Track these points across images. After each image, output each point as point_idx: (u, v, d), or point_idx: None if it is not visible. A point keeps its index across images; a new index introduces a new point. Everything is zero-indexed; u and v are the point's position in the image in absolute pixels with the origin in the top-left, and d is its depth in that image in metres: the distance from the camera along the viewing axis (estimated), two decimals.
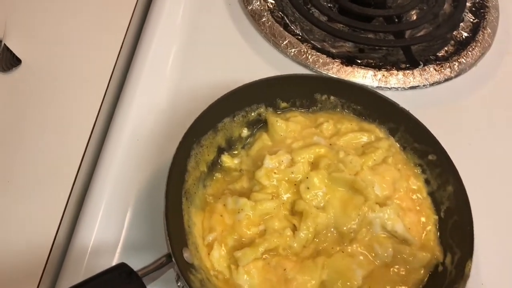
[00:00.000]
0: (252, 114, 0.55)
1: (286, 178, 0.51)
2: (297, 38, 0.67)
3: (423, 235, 0.50)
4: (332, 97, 0.55)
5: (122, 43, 0.63)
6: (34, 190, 0.51)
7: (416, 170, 0.53)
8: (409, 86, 0.65)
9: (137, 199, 0.53)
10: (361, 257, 0.48)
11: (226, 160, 0.53)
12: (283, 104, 0.56)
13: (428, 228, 0.50)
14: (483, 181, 0.56)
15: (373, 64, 0.66)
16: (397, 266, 0.48)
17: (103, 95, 0.58)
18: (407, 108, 0.55)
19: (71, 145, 0.55)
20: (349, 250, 0.48)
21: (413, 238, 0.49)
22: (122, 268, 0.40)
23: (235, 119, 0.54)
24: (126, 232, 0.51)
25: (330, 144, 0.53)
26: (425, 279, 0.48)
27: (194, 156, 0.51)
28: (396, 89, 0.64)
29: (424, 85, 0.65)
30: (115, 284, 0.39)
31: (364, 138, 0.55)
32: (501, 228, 0.54)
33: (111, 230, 0.51)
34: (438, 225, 0.50)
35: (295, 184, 0.50)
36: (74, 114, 0.57)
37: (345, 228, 0.49)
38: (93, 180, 0.54)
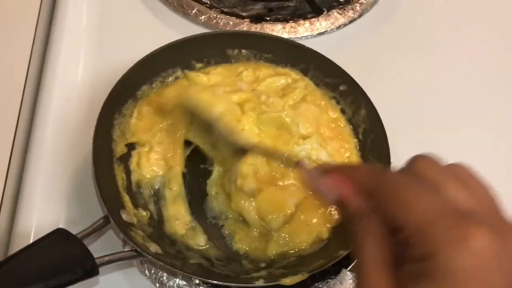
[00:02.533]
0: (170, 78, 0.57)
1: None
2: (206, 6, 0.69)
3: (346, 158, 0.54)
4: (243, 50, 0.58)
5: (35, 34, 0.63)
6: None
7: (332, 102, 0.57)
8: (317, 33, 0.68)
9: (73, 179, 0.54)
10: (293, 188, 0.51)
11: None
12: (199, 65, 0.58)
13: (350, 152, 0.54)
14: (392, 101, 0.60)
15: (281, 19, 0.70)
16: None
17: (22, 87, 0.59)
18: None
19: None
20: (281, 183, 0.51)
21: (337, 163, 0.53)
22: (59, 233, 0.41)
23: (153, 85, 0.56)
24: (66, 214, 0.52)
25: (253, 90, 0.56)
26: None
27: (118, 126, 0.52)
28: (306, 37, 0.67)
29: (331, 30, 0.69)
30: (54, 247, 0.40)
31: (282, 81, 0.57)
32: (412, 137, 0.59)
33: (51, 214, 0.52)
34: (358, 147, 0.54)
35: None
36: None
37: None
38: (26, 171, 0.55)
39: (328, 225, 0.50)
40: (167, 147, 0.53)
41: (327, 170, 0.34)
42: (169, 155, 0.53)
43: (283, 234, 0.49)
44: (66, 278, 0.39)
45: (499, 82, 0.67)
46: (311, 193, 0.48)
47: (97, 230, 0.44)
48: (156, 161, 0.52)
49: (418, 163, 0.31)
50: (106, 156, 0.50)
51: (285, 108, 0.54)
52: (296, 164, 0.37)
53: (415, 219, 0.28)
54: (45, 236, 0.41)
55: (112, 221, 0.44)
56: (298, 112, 0.54)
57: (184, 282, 0.48)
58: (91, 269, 0.40)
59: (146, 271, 0.48)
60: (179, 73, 0.57)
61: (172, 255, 0.46)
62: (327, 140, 0.54)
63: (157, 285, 0.48)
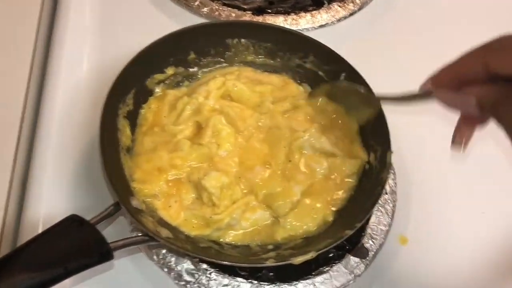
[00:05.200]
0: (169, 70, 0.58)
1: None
2: None
3: (349, 145, 0.55)
4: (242, 40, 0.59)
5: (38, 27, 0.64)
6: None
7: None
8: (318, 25, 0.69)
9: (80, 168, 0.55)
10: (300, 175, 0.52)
11: None
12: (192, 56, 0.59)
13: (352, 137, 0.55)
14: (391, 88, 0.61)
15: (282, 11, 0.71)
16: (332, 176, 0.53)
17: (27, 78, 0.59)
18: None
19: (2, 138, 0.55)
20: (287, 172, 0.52)
21: (340, 150, 0.54)
22: (73, 219, 0.42)
23: (154, 76, 0.57)
24: (74, 202, 0.53)
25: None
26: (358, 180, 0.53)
27: (122, 115, 0.53)
28: (307, 29, 0.69)
29: (332, 22, 0.70)
30: (69, 232, 0.41)
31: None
32: (411, 126, 0.60)
33: (60, 203, 0.53)
34: (359, 132, 0.55)
35: None
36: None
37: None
38: (33, 160, 0.55)
39: (332, 208, 0.51)
40: None
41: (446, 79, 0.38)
42: None
43: (289, 219, 0.50)
44: (84, 261, 0.40)
45: None
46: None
47: (108, 216, 0.45)
48: None
49: None
50: (113, 145, 0.51)
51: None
52: (424, 94, 0.41)
53: None
54: (60, 222, 0.42)
55: (123, 207, 0.45)
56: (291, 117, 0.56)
57: (192, 267, 0.50)
58: (106, 253, 0.41)
59: (154, 256, 0.50)
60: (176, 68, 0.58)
61: (183, 240, 0.48)
62: (327, 129, 0.55)
63: (165, 269, 0.49)
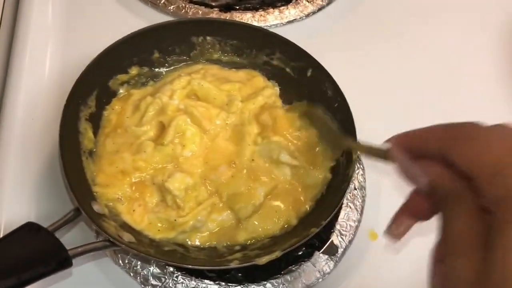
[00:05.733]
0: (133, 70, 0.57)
1: None
2: None
3: (313, 156, 0.53)
4: (208, 37, 0.58)
5: None
6: None
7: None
8: (286, 21, 0.69)
9: (42, 173, 0.54)
10: (264, 176, 0.52)
11: None
12: (156, 55, 0.57)
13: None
14: (360, 87, 0.61)
15: (251, 8, 0.70)
16: (295, 182, 0.52)
17: None
18: None
19: None
20: (251, 172, 0.52)
21: (301, 162, 0.52)
22: (29, 226, 0.41)
23: (117, 77, 0.55)
24: (36, 208, 0.52)
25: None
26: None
27: (84, 117, 0.52)
28: (276, 25, 0.68)
29: (300, 18, 0.69)
30: (24, 240, 0.40)
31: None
32: (379, 120, 0.60)
33: (21, 210, 0.52)
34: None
35: None
36: None
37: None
38: None
39: (296, 212, 0.51)
40: None
41: (402, 140, 0.34)
42: None
43: (251, 222, 0.49)
44: (39, 271, 0.39)
45: (465, 67, 0.69)
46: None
47: (68, 222, 0.44)
48: None
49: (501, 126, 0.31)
50: (74, 149, 0.50)
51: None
52: (386, 154, 0.36)
53: (486, 162, 0.28)
54: (15, 230, 0.41)
55: (83, 212, 0.44)
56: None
57: (159, 271, 0.49)
58: (64, 261, 0.40)
59: (120, 261, 0.49)
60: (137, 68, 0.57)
61: (146, 244, 0.47)
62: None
63: (131, 274, 0.49)
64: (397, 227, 0.36)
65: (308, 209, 0.51)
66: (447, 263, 0.29)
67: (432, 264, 0.32)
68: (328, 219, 0.47)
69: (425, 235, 0.56)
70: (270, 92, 0.57)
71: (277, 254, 0.45)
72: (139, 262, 0.49)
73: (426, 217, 0.35)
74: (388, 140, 0.36)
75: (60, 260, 0.40)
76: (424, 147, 0.33)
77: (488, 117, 0.65)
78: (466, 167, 0.30)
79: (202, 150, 0.52)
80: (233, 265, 0.45)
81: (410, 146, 0.34)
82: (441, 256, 0.31)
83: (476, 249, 0.28)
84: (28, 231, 0.41)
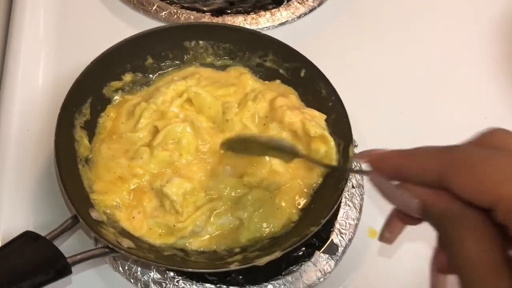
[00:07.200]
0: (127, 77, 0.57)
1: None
2: (166, 2, 0.69)
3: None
4: (200, 42, 0.58)
5: None
6: None
7: (290, 90, 0.57)
8: (278, 23, 0.69)
9: (39, 182, 0.54)
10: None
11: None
12: (149, 61, 0.58)
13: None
14: (353, 87, 0.61)
15: (242, 11, 0.70)
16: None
17: None
18: None
19: None
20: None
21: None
22: (27, 235, 0.41)
23: (111, 84, 0.56)
24: (34, 217, 0.52)
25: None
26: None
27: (79, 125, 0.52)
28: (268, 28, 0.68)
29: (292, 19, 0.70)
30: (23, 250, 0.40)
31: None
32: (373, 120, 0.61)
33: (18, 219, 0.51)
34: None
35: None
36: None
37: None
38: None
39: (297, 207, 0.51)
40: None
41: (385, 164, 0.31)
42: None
43: (254, 221, 0.49)
44: (38, 279, 0.39)
45: (458, 66, 0.69)
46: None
47: (66, 230, 0.44)
48: None
49: (495, 134, 0.29)
50: (70, 157, 0.50)
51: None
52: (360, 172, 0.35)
53: (506, 195, 0.25)
54: (13, 240, 0.41)
55: (81, 220, 0.44)
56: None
57: (159, 276, 0.49)
58: (63, 268, 0.40)
59: (120, 268, 0.49)
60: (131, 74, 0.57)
61: (146, 249, 0.47)
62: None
63: (132, 280, 0.48)
64: (389, 231, 0.36)
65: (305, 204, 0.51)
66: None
67: (432, 275, 0.32)
68: (327, 217, 0.47)
69: (425, 234, 0.57)
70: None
71: (277, 254, 0.45)
72: (139, 268, 0.49)
73: (415, 223, 0.34)
74: (363, 157, 0.33)
75: (59, 268, 0.40)
76: (416, 174, 0.30)
77: (482, 113, 0.65)
78: (474, 198, 0.27)
79: (199, 158, 0.52)
80: (233, 267, 0.45)
81: (393, 170, 0.31)
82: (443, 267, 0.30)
83: (504, 275, 0.26)
84: (27, 240, 0.40)
